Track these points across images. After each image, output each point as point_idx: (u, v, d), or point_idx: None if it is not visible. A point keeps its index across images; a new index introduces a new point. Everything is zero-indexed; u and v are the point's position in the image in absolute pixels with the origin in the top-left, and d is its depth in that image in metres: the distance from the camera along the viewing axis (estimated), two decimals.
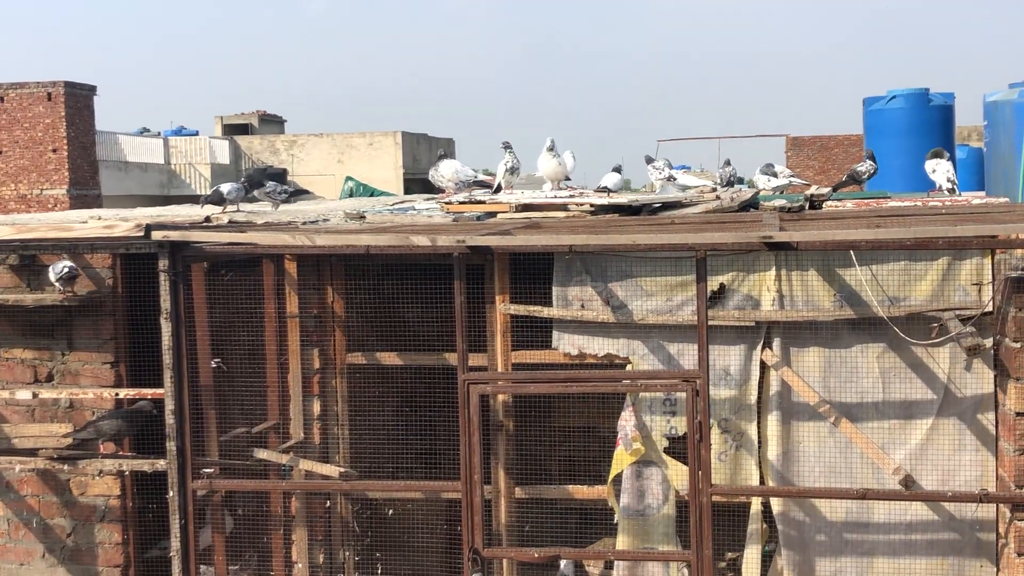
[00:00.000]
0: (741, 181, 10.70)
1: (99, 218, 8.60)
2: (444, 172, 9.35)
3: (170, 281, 6.81)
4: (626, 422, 7.30)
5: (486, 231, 6.98)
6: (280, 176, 35.72)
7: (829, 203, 9.03)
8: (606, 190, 9.17)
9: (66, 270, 7.59)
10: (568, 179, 9.85)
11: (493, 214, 8.48)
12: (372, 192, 21.09)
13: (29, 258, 7.82)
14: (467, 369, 6.64)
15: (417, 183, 35.49)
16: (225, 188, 8.67)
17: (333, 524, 7.97)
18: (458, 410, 6.64)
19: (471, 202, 8.85)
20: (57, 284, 7.63)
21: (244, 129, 40.24)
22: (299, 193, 10.81)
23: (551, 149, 9.34)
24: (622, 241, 6.43)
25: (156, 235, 6.73)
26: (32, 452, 7.59)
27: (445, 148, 39.28)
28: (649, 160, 9.77)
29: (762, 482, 7.22)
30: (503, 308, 7.46)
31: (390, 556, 8.15)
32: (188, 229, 7.08)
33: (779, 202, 8.74)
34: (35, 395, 7.42)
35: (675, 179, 9.58)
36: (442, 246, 6.54)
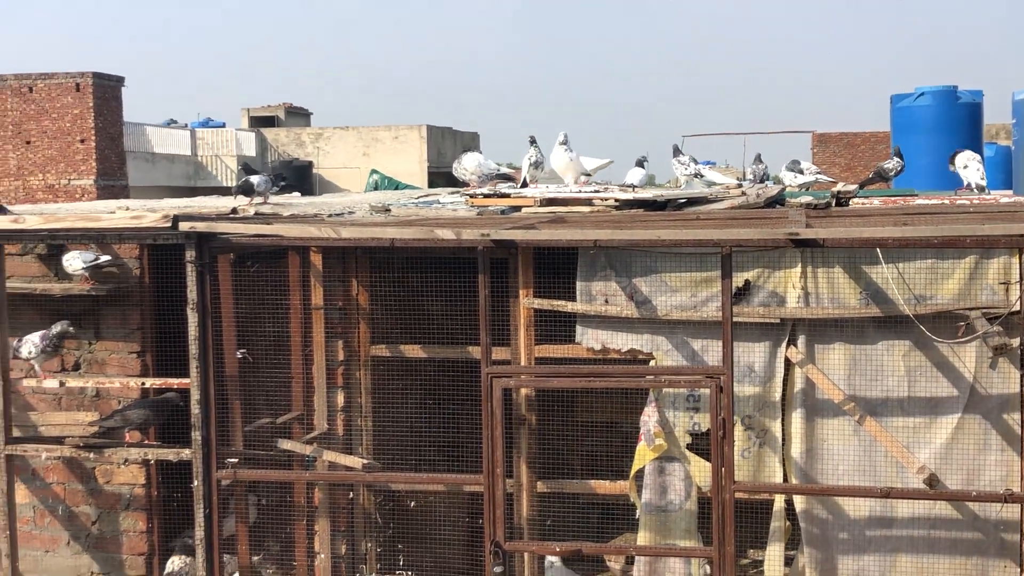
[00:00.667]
0: (768, 177, 10.65)
1: (127, 208, 8.65)
2: (467, 165, 9.35)
3: (197, 272, 6.84)
4: (649, 418, 7.29)
5: (511, 225, 6.99)
6: (305, 169, 35.80)
7: (856, 200, 8.99)
8: (631, 187, 9.15)
9: (99, 260, 7.67)
10: (588, 174, 9.85)
11: (518, 208, 8.48)
12: (397, 185, 21.13)
13: (57, 248, 7.88)
14: (490, 363, 6.64)
15: (441, 176, 35.50)
16: (255, 179, 8.72)
17: (356, 515, 8.00)
18: (481, 403, 6.65)
19: (496, 196, 8.85)
20: (83, 271, 7.68)
21: (271, 121, 40.35)
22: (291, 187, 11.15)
23: (564, 143, 9.31)
24: (647, 236, 6.42)
25: (183, 226, 6.76)
26: (58, 440, 7.64)
27: (470, 142, 39.36)
28: (677, 151, 9.72)
29: (785, 480, 7.20)
30: (527, 302, 7.46)
31: (412, 548, 8.17)
32: (215, 220, 7.10)
33: (805, 199, 8.70)
34: (62, 384, 7.47)
35: (702, 175, 9.55)
36: (467, 239, 6.55)
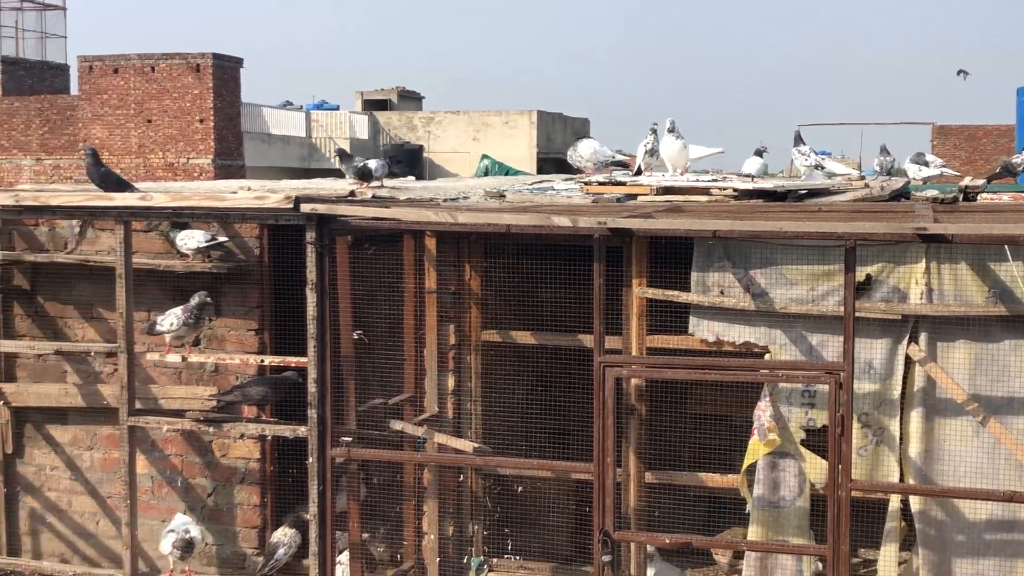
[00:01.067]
0: (893, 169, 10.37)
1: (248, 189, 8.81)
2: (583, 152, 9.29)
3: (317, 253, 6.93)
4: (762, 412, 7.18)
5: (627, 213, 6.94)
6: (416, 153, 35.88)
7: (983, 195, 8.72)
8: (750, 176, 9.01)
9: (219, 240, 7.84)
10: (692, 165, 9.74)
11: (633, 196, 8.42)
12: (507, 171, 21.18)
13: (182, 226, 8.07)
14: (603, 352, 6.60)
15: (550, 162, 35.39)
16: (372, 164, 8.81)
17: (464, 497, 8.05)
18: (590, 391, 6.62)
19: (611, 183, 8.79)
20: (201, 249, 7.86)
21: (383, 105, 40.68)
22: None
23: (672, 131, 9.18)
24: (768, 228, 6.31)
25: (305, 207, 6.85)
26: (178, 413, 7.83)
27: (580, 128, 39.17)
28: (798, 140, 9.52)
29: (902, 479, 7.04)
30: (639, 291, 7.40)
31: (518, 532, 8.19)
32: (335, 203, 7.19)
33: (931, 192, 8.47)
34: (184, 359, 7.64)
35: (823, 167, 9.34)
36: (583, 227, 6.52)
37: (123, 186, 8.24)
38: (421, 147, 35.66)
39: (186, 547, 7.55)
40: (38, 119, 30.28)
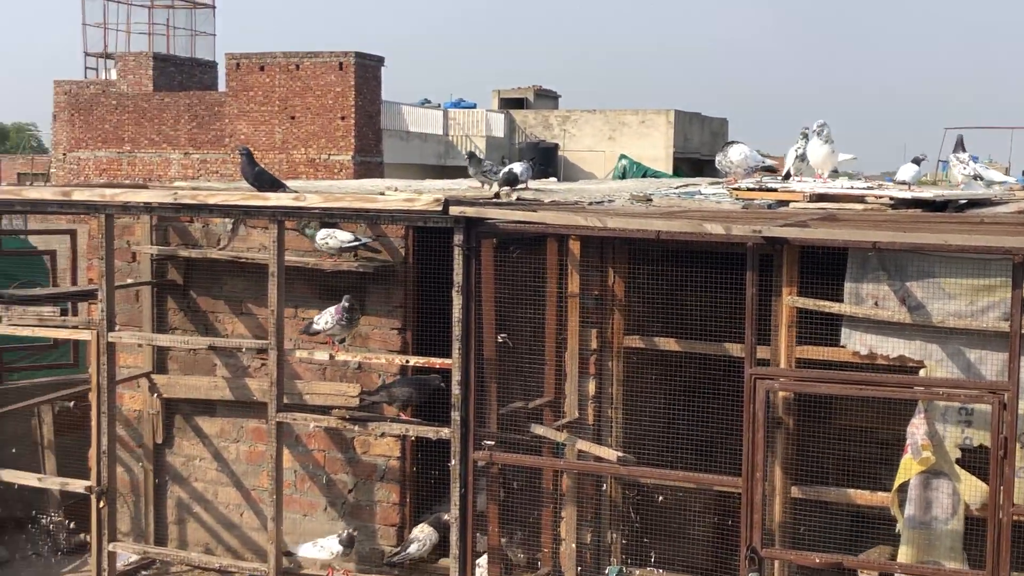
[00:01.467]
0: None
1: (395, 189, 8.88)
2: (733, 158, 9.10)
3: (464, 255, 6.94)
4: (916, 429, 6.93)
5: (781, 221, 6.77)
6: (551, 151, 35.80)
7: None
8: (905, 184, 8.71)
9: (356, 241, 7.94)
10: (837, 171, 9.43)
11: (785, 202, 8.23)
12: (645, 171, 21.07)
13: (324, 224, 8.17)
14: (754, 363, 6.46)
15: (686, 163, 34.99)
16: (518, 169, 8.76)
17: (603, 505, 7.98)
18: (732, 401, 6.48)
19: (762, 189, 8.60)
20: (337, 251, 7.96)
21: (520, 103, 40.77)
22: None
23: (820, 133, 8.92)
24: (931, 240, 6.08)
25: (453, 210, 6.86)
26: (323, 409, 7.94)
27: (718, 128, 38.63)
28: (959, 146, 9.15)
29: None
30: (790, 301, 7.21)
31: (657, 542, 8.08)
32: (483, 206, 7.19)
33: None
34: (331, 357, 7.74)
35: (982, 177, 8.98)
36: (736, 235, 6.38)
37: (276, 185, 8.38)
38: (556, 146, 35.64)
39: (349, 542, 7.78)
40: (187, 114, 31.22)
